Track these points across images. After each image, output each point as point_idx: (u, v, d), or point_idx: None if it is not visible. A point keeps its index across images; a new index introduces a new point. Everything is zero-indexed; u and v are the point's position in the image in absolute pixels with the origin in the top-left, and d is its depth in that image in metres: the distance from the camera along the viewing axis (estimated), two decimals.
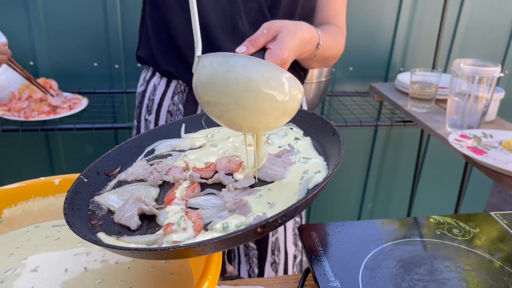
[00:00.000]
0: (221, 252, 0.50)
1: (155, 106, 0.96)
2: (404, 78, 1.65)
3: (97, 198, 0.57)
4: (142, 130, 1.00)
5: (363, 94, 1.83)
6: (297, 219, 1.08)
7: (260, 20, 0.88)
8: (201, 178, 0.58)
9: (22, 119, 1.38)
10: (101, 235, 0.50)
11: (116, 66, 1.74)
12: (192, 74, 0.76)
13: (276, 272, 1.08)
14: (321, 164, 0.58)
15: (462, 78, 1.23)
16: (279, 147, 0.63)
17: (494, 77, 1.19)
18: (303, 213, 1.11)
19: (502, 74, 1.19)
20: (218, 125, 0.71)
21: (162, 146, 0.67)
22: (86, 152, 1.81)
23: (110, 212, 0.55)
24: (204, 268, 0.47)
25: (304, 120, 0.67)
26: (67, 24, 1.63)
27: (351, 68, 1.86)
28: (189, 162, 0.59)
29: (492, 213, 0.73)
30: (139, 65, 1.71)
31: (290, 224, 1.07)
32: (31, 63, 1.67)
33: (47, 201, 0.63)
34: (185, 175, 0.58)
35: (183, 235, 0.47)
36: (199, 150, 0.66)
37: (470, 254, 0.63)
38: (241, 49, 0.67)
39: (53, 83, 1.52)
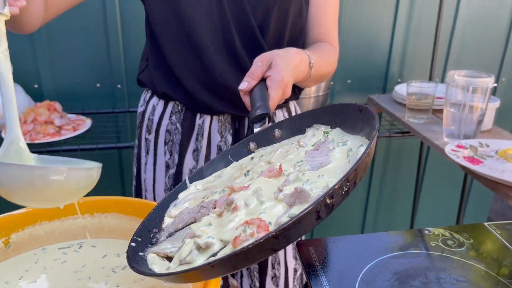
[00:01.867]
0: None
1: (154, 126, 1.00)
2: (401, 89, 1.68)
3: (152, 249, 0.57)
4: (143, 149, 1.03)
5: None
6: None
7: (252, 41, 0.90)
8: None
9: (28, 141, 1.41)
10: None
11: (119, 86, 1.78)
12: (188, 95, 0.79)
13: (277, 286, 1.09)
14: (360, 139, 0.58)
15: (457, 88, 1.25)
16: (312, 145, 0.62)
17: (488, 87, 1.21)
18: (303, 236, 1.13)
19: (495, 85, 1.21)
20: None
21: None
22: None
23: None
24: (204, 283, 0.49)
25: (326, 116, 0.66)
26: (70, 46, 1.67)
27: (349, 81, 1.89)
28: (232, 186, 0.57)
29: (486, 223, 0.74)
30: None
31: None
32: (36, 86, 1.71)
33: (53, 225, 0.66)
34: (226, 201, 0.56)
35: (252, 240, 0.46)
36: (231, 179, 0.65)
37: (464, 265, 0.65)
38: (243, 85, 0.71)
39: (57, 105, 1.56)
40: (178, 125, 0.98)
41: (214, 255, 0.49)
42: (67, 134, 1.46)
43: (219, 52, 0.90)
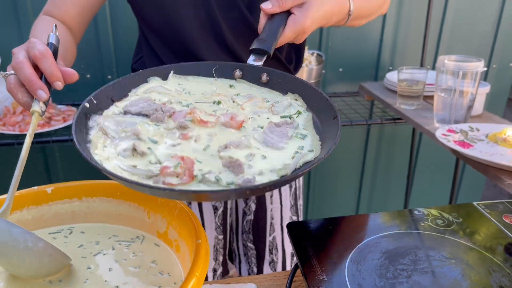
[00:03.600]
0: (208, 250, 0.52)
1: None
2: (392, 76, 1.68)
3: (97, 118, 0.61)
4: None
5: (353, 94, 1.85)
6: (294, 217, 1.10)
7: (240, 23, 0.89)
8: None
9: (17, 132, 1.40)
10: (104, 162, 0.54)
11: (109, 76, 1.76)
12: None
13: (275, 270, 1.10)
14: (316, 143, 0.60)
15: (447, 74, 1.25)
16: (281, 117, 0.65)
17: (477, 71, 1.22)
18: (300, 211, 1.13)
19: (485, 69, 1.22)
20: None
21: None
22: (83, 161, 1.83)
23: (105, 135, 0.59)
24: (192, 265, 0.48)
25: (310, 96, 0.68)
26: None
27: (341, 69, 1.89)
28: (195, 111, 0.62)
29: (475, 203, 0.75)
30: None
31: (287, 219, 1.09)
32: None
33: (41, 210, 0.65)
34: (186, 121, 0.61)
35: (176, 180, 0.51)
36: (200, 99, 0.69)
37: (453, 243, 0.65)
38: (267, 5, 0.69)
39: None
40: None
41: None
42: (57, 125, 1.45)
43: (207, 41, 0.89)
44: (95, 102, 0.62)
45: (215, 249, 1.06)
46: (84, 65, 1.72)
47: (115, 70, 1.75)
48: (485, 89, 1.38)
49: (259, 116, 0.65)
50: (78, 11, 0.89)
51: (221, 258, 1.09)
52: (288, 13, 0.71)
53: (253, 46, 0.71)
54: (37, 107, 0.60)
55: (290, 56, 0.99)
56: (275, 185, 0.52)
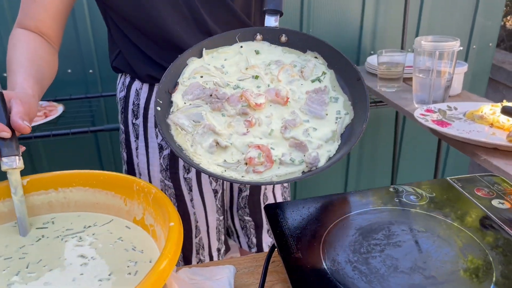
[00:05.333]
0: (181, 232, 0.53)
1: (141, 110, 0.98)
2: (373, 60, 1.69)
3: (171, 118, 0.70)
4: (131, 134, 1.01)
5: None
6: (285, 184, 1.12)
7: (221, 8, 0.89)
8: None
9: None
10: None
11: (91, 71, 1.75)
12: None
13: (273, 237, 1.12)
14: (347, 104, 0.73)
15: (424, 55, 1.26)
16: (312, 80, 0.76)
17: (454, 51, 1.23)
18: (288, 191, 1.15)
19: (461, 48, 1.23)
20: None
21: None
22: (68, 156, 1.82)
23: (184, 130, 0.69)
24: (164, 247, 0.49)
25: (328, 53, 0.78)
26: None
27: None
28: (247, 95, 0.72)
29: (448, 178, 0.76)
30: None
31: (278, 190, 1.10)
32: (5, 74, 1.67)
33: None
34: (243, 107, 0.72)
35: (262, 167, 0.66)
36: (239, 76, 0.78)
37: (425, 217, 0.67)
38: None
39: None
40: None
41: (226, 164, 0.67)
42: (39, 121, 1.44)
43: (190, 32, 0.89)
44: (161, 102, 0.70)
45: (217, 230, 1.08)
46: (64, 59, 1.70)
47: (96, 64, 1.74)
48: (463, 68, 1.40)
49: (294, 84, 0.76)
50: (52, 16, 0.86)
51: (222, 237, 1.12)
52: None
53: (266, 7, 0.79)
54: (17, 162, 0.62)
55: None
56: (337, 160, 0.66)
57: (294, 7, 1.79)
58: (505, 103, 1.15)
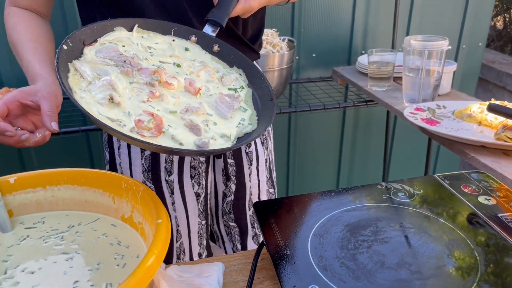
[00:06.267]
0: (169, 229, 0.53)
1: None
2: (364, 59, 1.70)
3: (75, 62, 0.67)
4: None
5: (327, 79, 1.87)
6: (271, 190, 1.12)
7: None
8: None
9: None
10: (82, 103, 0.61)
11: None
12: None
13: (258, 243, 1.11)
14: (253, 118, 0.73)
15: (414, 54, 1.27)
16: (229, 88, 0.77)
17: (443, 50, 1.24)
18: (275, 183, 1.15)
19: (450, 47, 1.24)
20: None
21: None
22: (58, 156, 1.81)
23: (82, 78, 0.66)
24: (152, 243, 0.49)
25: (252, 74, 0.80)
26: None
27: (314, 55, 1.90)
28: (161, 71, 0.70)
29: (436, 175, 0.77)
30: None
31: (264, 197, 1.10)
32: None
33: (5, 200, 0.65)
34: (152, 79, 0.70)
35: (147, 133, 0.61)
36: (163, 58, 0.77)
37: (413, 213, 0.67)
38: None
39: None
40: None
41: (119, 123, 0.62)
42: None
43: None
44: (70, 45, 0.68)
45: (199, 235, 1.07)
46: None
47: None
48: (452, 67, 1.41)
49: (211, 84, 0.76)
50: None
51: (204, 243, 1.11)
52: None
53: (209, 17, 0.80)
54: None
55: (253, 37, 1.00)
56: (226, 149, 0.65)
57: (285, 7, 1.80)
58: (493, 101, 1.17)
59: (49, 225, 0.65)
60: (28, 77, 0.82)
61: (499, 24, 3.50)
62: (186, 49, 0.81)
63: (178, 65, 0.76)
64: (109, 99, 0.63)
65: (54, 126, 0.69)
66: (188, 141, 0.63)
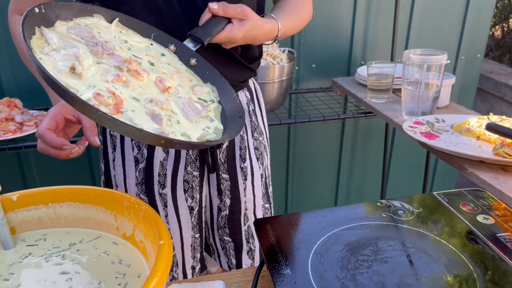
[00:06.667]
0: (171, 250, 0.53)
1: None
2: (363, 71, 1.71)
3: (43, 28, 0.65)
4: (109, 145, 1.01)
5: (327, 90, 1.88)
6: (266, 205, 1.12)
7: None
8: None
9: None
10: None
11: None
12: None
13: (253, 259, 1.12)
14: (219, 130, 0.72)
15: (413, 67, 1.28)
16: (199, 98, 0.75)
17: (441, 64, 1.25)
18: (271, 198, 1.15)
19: (448, 61, 1.25)
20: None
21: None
22: (58, 166, 1.82)
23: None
24: (154, 266, 0.50)
25: (224, 93, 0.80)
26: None
27: (313, 65, 1.91)
28: (133, 61, 0.68)
29: (435, 193, 0.78)
30: None
31: (260, 212, 1.11)
32: None
33: (7, 217, 0.65)
34: (122, 64, 0.67)
35: (105, 109, 0.58)
36: (138, 54, 0.75)
37: (412, 233, 0.68)
38: (214, 5, 0.80)
39: (18, 102, 1.53)
40: None
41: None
42: (29, 131, 1.44)
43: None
44: (43, 11, 0.66)
45: (192, 248, 1.07)
46: None
47: None
48: (451, 80, 1.42)
49: (182, 89, 0.74)
50: None
51: (198, 256, 1.11)
52: (229, 20, 0.82)
53: (192, 32, 0.80)
54: None
55: (252, 59, 1.02)
56: (185, 144, 0.63)
57: None
58: (491, 116, 1.18)
59: (50, 243, 0.65)
60: (49, 89, 0.84)
61: (497, 34, 3.53)
62: (163, 55, 0.80)
63: (152, 64, 0.74)
64: (71, 69, 0.60)
65: (97, 140, 0.74)
66: (148, 128, 0.60)
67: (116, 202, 0.65)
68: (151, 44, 0.80)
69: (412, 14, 1.92)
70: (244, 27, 0.82)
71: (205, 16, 0.81)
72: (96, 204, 0.67)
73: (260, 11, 0.99)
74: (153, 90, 0.69)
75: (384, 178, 2.06)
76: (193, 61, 0.82)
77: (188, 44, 0.81)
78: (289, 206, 2.19)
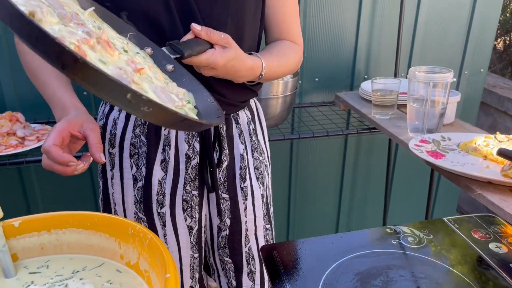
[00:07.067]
0: (178, 283, 0.52)
1: (117, 140, 0.97)
2: (367, 86, 1.70)
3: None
4: (108, 163, 1.00)
5: (329, 104, 1.87)
6: (267, 226, 1.11)
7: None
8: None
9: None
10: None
11: (85, 93, 1.74)
12: None
13: (253, 281, 1.10)
14: (193, 110, 0.70)
15: (419, 85, 1.27)
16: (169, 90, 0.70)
17: (448, 82, 1.24)
18: (272, 219, 1.13)
19: (454, 79, 1.24)
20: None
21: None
22: (60, 182, 1.80)
23: None
24: None
25: (203, 97, 0.75)
26: None
27: (317, 79, 1.91)
28: (105, 33, 0.63)
29: (445, 218, 0.76)
30: None
31: (261, 233, 1.09)
32: None
33: (9, 244, 0.64)
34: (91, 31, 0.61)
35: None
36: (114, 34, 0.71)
37: (423, 261, 0.66)
38: (197, 26, 0.78)
39: (20, 116, 1.51)
40: (143, 138, 0.95)
41: None
42: (31, 145, 1.42)
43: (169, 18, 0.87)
44: None
45: (191, 268, 1.06)
46: None
47: None
48: (456, 98, 1.41)
49: (156, 80, 0.68)
50: None
51: (197, 276, 1.09)
52: (211, 45, 0.80)
53: (172, 42, 0.76)
54: None
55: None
56: (156, 106, 0.52)
57: None
58: (498, 135, 1.16)
59: (53, 270, 0.64)
60: (53, 104, 0.83)
61: (499, 47, 3.53)
62: (137, 53, 0.74)
63: (126, 51, 0.68)
64: (30, 14, 0.53)
65: (102, 157, 0.73)
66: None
67: (120, 229, 0.64)
68: (127, 43, 0.74)
69: (415, 28, 1.91)
70: (227, 54, 0.80)
71: (188, 36, 0.79)
72: (100, 231, 0.65)
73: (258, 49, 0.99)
74: (123, 65, 0.62)
75: (387, 194, 2.04)
76: (169, 67, 0.78)
77: (166, 50, 0.76)
78: (290, 232, 2.17)
